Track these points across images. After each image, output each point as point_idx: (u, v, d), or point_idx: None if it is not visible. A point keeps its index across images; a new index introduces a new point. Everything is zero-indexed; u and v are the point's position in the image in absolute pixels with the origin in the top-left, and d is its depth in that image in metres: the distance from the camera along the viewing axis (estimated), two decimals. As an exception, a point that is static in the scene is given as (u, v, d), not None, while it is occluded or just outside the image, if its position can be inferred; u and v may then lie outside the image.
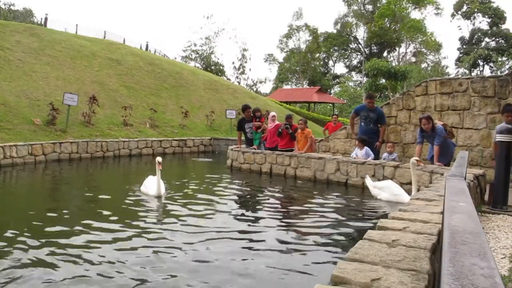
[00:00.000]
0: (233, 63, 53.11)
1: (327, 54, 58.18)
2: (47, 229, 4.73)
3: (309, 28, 55.42)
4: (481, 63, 44.74)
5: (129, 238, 4.40)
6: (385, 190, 6.68)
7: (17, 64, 15.20)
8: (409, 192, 6.41)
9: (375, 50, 53.51)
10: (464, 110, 8.70)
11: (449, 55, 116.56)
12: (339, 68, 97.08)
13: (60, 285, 3.21)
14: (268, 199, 7.05)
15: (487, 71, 43.45)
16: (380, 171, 7.63)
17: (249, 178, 9.17)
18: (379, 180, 7.57)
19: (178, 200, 6.48)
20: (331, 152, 11.04)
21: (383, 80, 29.23)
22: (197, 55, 45.35)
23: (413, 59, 49.63)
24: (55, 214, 5.44)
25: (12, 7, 40.84)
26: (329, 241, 4.49)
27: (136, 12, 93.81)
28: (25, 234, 4.46)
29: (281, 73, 58.63)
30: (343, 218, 5.58)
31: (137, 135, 14.90)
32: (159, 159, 6.79)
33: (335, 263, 3.53)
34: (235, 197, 7.17)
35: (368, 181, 7.14)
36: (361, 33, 54.90)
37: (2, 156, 10.06)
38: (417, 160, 6.40)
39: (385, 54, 53.36)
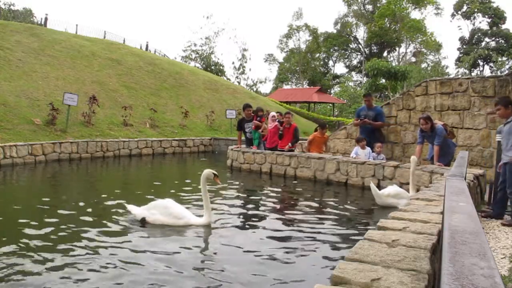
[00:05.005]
0: (233, 63, 53.20)
1: (327, 54, 58.17)
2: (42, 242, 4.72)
3: (309, 28, 55.45)
4: (481, 63, 44.77)
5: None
6: (403, 196, 6.01)
7: (17, 64, 15.20)
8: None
9: (375, 50, 53.51)
10: (464, 110, 8.70)
11: (449, 55, 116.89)
12: (339, 68, 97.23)
13: None
14: (268, 199, 7.04)
15: (487, 71, 43.53)
16: (380, 171, 7.64)
17: (249, 178, 9.17)
18: (379, 180, 7.58)
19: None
20: (331, 152, 11.04)
21: (383, 80, 29.25)
22: (197, 55, 45.36)
23: (413, 59, 49.63)
24: (54, 236, 4.66)
25: (12, 7, 40.84)
26: (329, 241, 4.48)
27: (136, 12, 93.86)
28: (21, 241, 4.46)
29: (281, 73, 58.64)
30: (343, 218, 5.58)
31: (137, 135, 14.89)
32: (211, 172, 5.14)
33: (335, 263, 3.53)
34: (235, 198, 7.16)
35: (376, 190, 6.19)
36: (361, 33, 54.98)
37: (2, 156, 10.06)
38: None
39: (385, 54, 53.36)
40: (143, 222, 4.91)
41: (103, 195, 6.92)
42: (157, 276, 3.37)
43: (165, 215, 4.89)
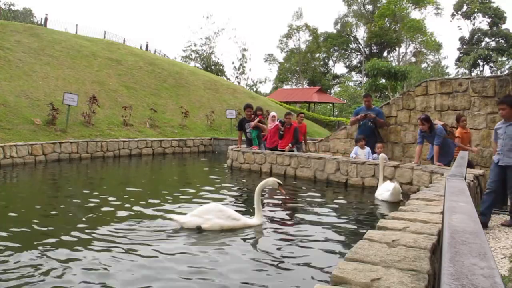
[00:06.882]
0: (233, 63, 53.24)
1: (327, 54, 58.19)
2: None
3: (309, 28, 55.45)
4: (481, 63, 44.79)
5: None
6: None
7: (17, 64, 15.20)
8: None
9: (375, 50, 53.53)
10: (464, 110, 8.70)
11: (449, 55, 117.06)
12: (339, 68, 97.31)
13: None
14: (268, 199, 7.04)
15: (487, 71, 43.56)
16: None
17: (249, 178, 9.17)
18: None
19: (178, 201, 6.47)
20: (331, 152, 11.03)
21: (383, 80, 29.27)
22: (197, 55, 45.39)
23: (413, 59, 49.65)
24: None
25: (12, 7, 40.89)
26: (329, 241, 4.48)
27: (136, 12, 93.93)
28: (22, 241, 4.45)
29: (281, 73, 58.65)
30: (343, 218, 5.58)
31: (137, 135, 14.89)
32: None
33: (335, 263, 3.53)
34: (235, 197, 7.17)
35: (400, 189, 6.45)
36: (361, 33, 55.02)
37: (2, 156, 10.06)
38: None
39: (385, 54, 53.39)
40: (199, 229, 4.68)
41: (125, 197, 6.92)
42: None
43: (223, 219, 4.71)
